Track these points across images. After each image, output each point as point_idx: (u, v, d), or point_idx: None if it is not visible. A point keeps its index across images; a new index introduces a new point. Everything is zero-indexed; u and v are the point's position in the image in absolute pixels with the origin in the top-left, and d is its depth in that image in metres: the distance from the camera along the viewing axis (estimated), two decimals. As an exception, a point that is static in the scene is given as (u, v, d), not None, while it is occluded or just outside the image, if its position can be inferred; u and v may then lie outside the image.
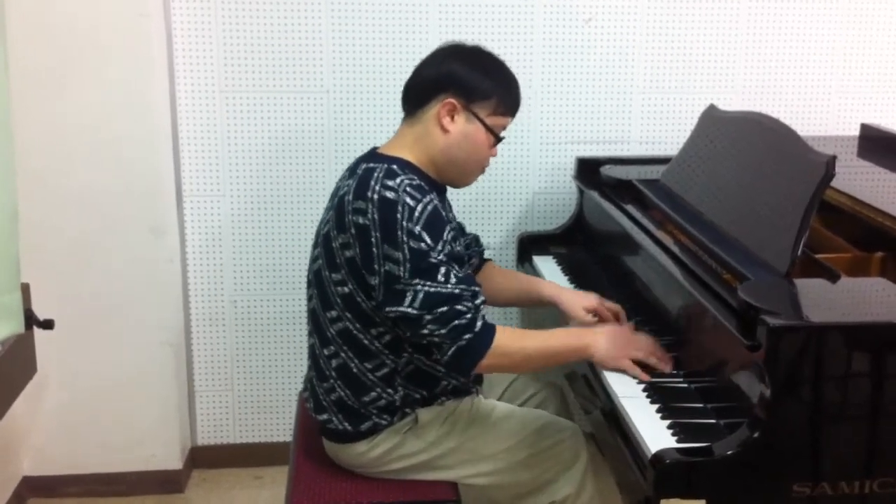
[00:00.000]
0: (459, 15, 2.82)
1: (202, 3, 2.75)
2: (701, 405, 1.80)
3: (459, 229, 2.23)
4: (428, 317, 1.83)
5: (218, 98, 2.82)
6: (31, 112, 2.57)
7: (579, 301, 2.20)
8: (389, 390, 1.99)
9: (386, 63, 2.83)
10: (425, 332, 1.85)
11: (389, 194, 1.85)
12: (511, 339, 1.91)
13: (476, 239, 2.34)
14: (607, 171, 2.66)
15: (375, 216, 1.85)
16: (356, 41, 2.81)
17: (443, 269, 1.85)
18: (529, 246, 2.80)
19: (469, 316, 1.85)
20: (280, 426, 3.07)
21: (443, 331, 1.84)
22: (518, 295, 2.33)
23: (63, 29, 2.57)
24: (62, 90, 2.61)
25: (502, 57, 2.06)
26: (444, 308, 1.83)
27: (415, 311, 1.84)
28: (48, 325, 2.24)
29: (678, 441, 1.66)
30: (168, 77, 2.74)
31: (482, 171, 2.07)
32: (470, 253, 2.28)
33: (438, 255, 1.85)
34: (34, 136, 2.59)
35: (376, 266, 1.86)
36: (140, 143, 2.67)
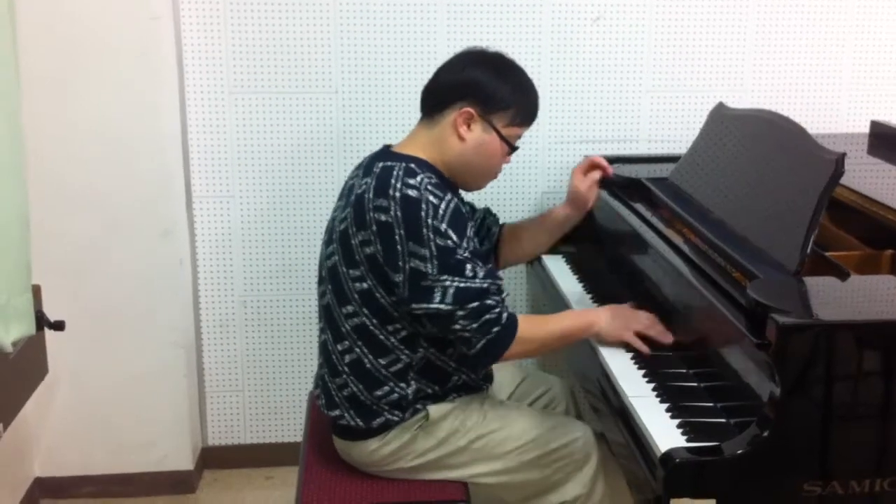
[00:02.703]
0: (467, 14, 2.82)
1: (211, 4, 2.75)
2: (710, 404, 1.80)
3: (470, 209, 2.25)
4: (460, 312, 1.86)
5: (227, 99, 2.83)
6: (41, 116, 2.58)
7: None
8: (402, 384, 1.99)
9: (395, 63, 2.83)
10: (457, 327, 1.88)
11: (412, 192, 1.86)
12: (530, 325, 1.97)
13: (488, 210, 2.35)
14: (616, 169, 2.65)
15: (399, 214, 1.86)
16: (365, 41, 2.82)
17: (469, 265, 1.87)
18: (539, 245, 2.80)
19: (497, 310, 1.89)
20: (291, 426, 3.08)
21: (474, 325, 1.87)
22: (545, 232, 2.34)
23: (72, 33, 2.58)
24: (72, 94, 2.62)
25: (511, 56, 2.06)
26: (476, 303, 1.86)
27: (446, 307, 1.86)
28: (59, 326, 2.25)
29: (688, 440, 1.66)
30: (177, 79, 2.75)
31: (494, 177, 2.09)
32: (488, 223, 2.32)
33: (464, 252, 1.88)
34: (45, 139, 2.60)
35: (401, 263, 1.87)
36: (150, 146, 2.68)
